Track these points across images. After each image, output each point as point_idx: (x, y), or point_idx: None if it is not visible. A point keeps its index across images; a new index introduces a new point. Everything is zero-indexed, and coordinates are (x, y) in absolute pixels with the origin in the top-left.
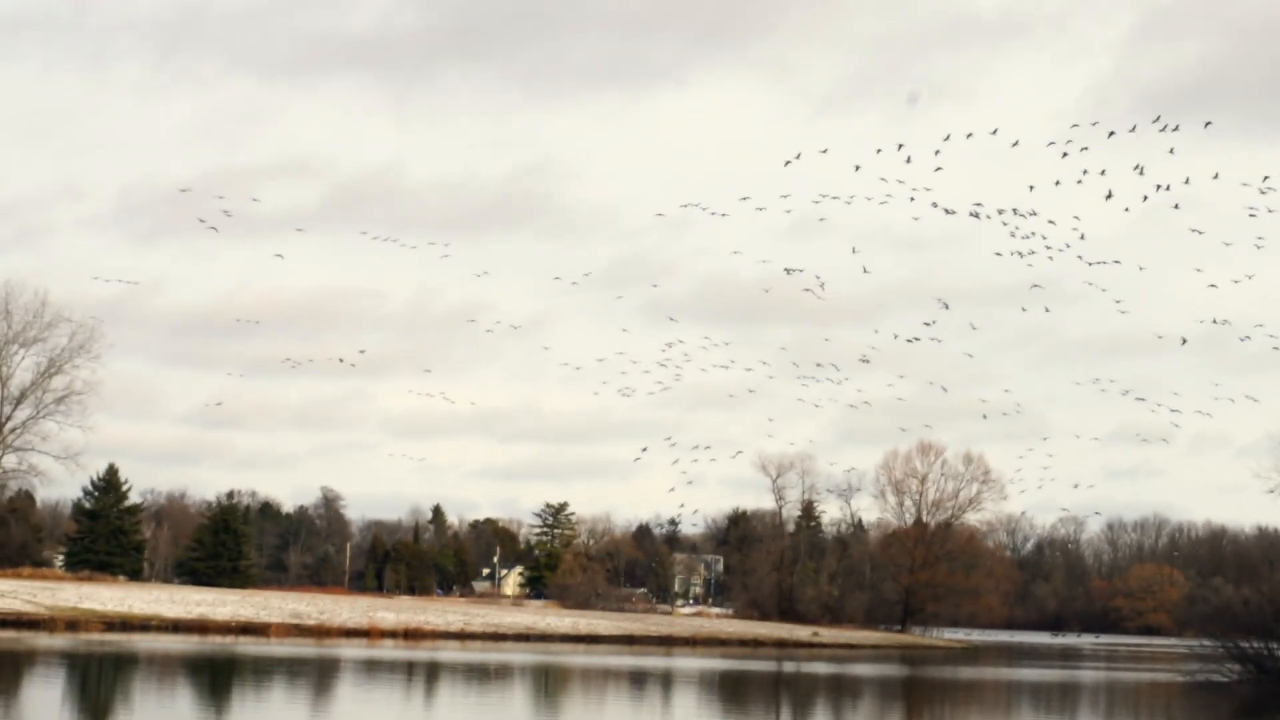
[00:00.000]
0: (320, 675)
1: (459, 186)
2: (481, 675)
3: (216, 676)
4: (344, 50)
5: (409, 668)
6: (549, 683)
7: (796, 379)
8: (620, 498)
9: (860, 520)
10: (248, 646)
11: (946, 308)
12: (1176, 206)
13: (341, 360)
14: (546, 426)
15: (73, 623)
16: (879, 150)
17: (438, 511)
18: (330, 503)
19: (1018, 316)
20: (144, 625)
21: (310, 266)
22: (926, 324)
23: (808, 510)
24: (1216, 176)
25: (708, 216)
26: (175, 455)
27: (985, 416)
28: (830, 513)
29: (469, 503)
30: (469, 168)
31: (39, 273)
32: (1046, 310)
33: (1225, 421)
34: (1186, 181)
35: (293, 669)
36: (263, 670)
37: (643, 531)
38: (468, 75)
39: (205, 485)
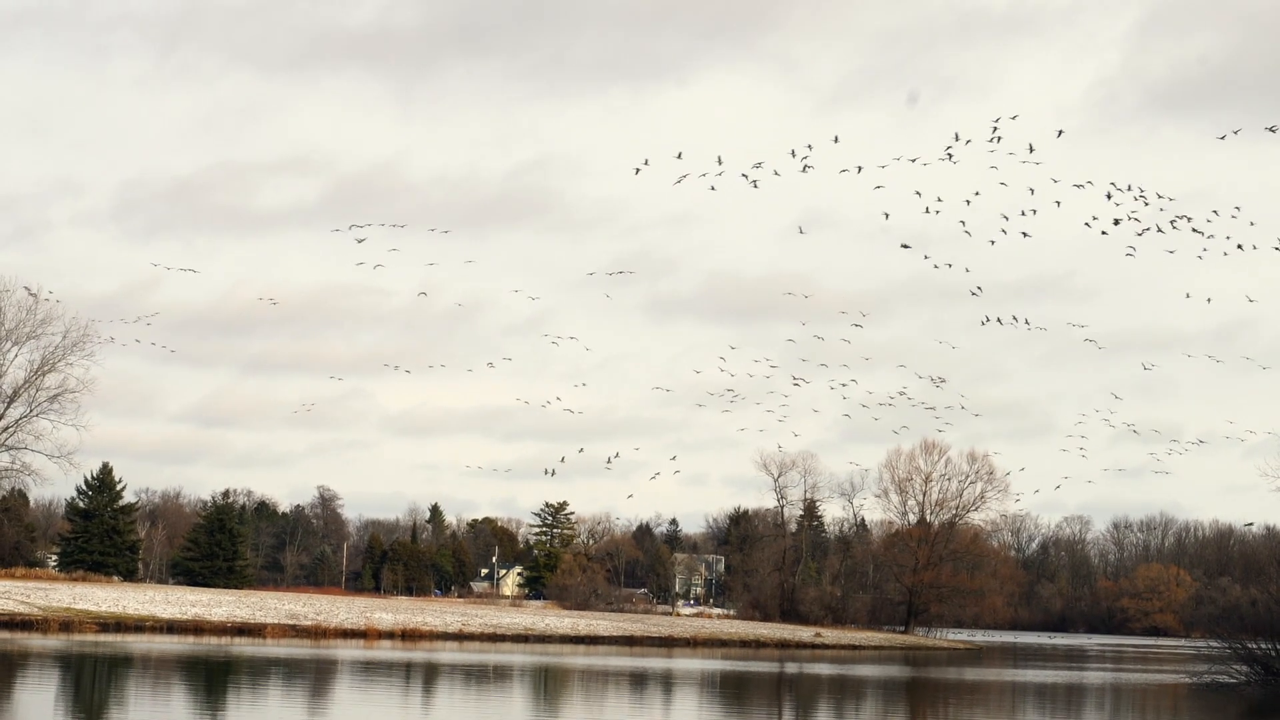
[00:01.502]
0: (317, 676)
1: (462, 182)
2: (480, 676)
3: (212, 678)
4: (345, 45)
5: (407, 669)
6: (548, 684)
7: (801, 377)
8: (620, 497)
9: (863, 520)
10: (243, 647)
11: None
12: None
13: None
14: (547, 425)
15: (66, 624)
16: (887, 144)
17: (435, 511)
18: (327, 502)
19: (1022, 314)
20: (138, 626)
21: (310, 263)
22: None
23: (810, 510)
24: (1222, 175)
25: (710, 211)
26: (171, 454)
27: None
28: (832, 512)
29: (468, 502)
30: (472, 164)
31: (37, 269)
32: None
33: (1233, 420)
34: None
35: (289, 670)
36: (259, 671)
37: (643, 531)
38: (471, 71)
39: (201, 484)
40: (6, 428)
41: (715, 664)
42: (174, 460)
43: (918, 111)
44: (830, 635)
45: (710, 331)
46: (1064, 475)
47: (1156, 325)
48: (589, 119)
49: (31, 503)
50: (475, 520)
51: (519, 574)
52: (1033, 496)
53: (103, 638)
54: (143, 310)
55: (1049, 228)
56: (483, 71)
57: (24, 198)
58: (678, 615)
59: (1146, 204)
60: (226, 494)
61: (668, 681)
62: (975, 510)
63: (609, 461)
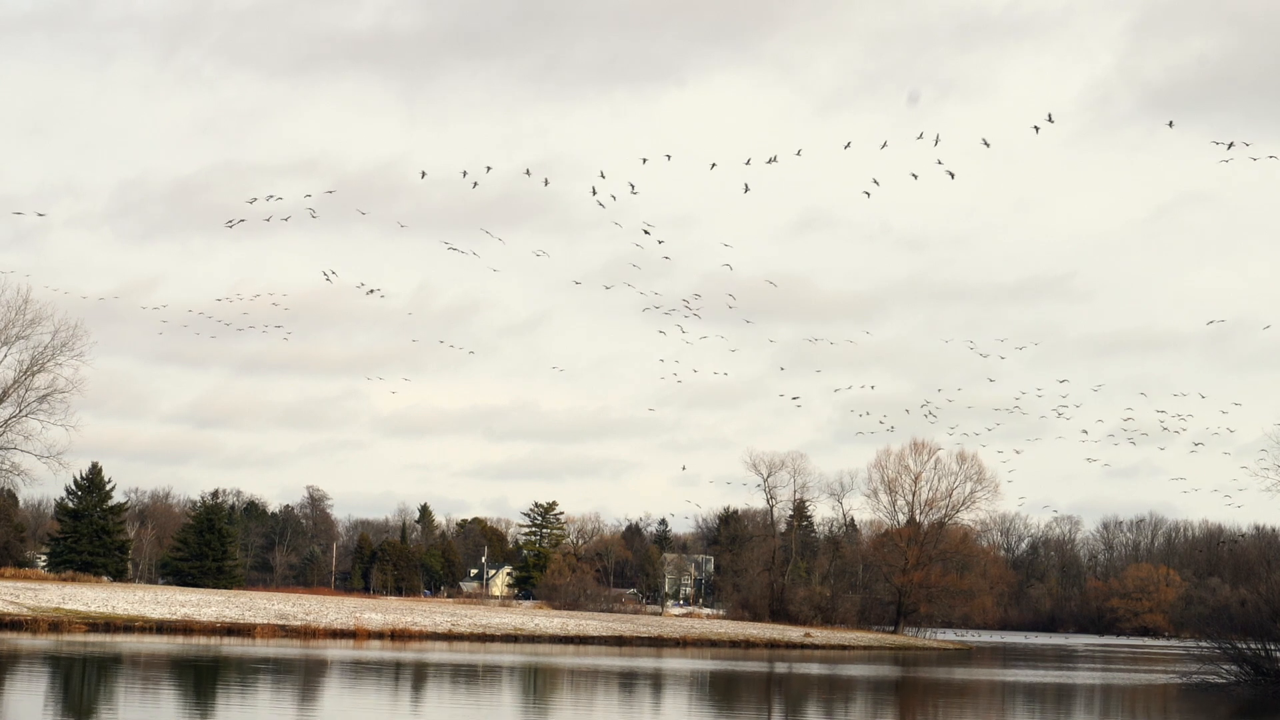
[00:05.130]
0: (306, 676)
1: (463, 184)
2: (470, 676)
3: (201, 678)
4: (346, 49)
5: (396, 669)
6: (538, 684)
7: (794, 377)
8: (611, 497)
9: (852, 520)
10: (233, 648)
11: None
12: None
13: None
14: (540, 425)
15: (56, 624)
16: (884, 144)
17: (425, 511)
18: (316, 502)
19: (1019, 315)
20: (128, 626)
21: (310, 264)
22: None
23: (799, 510)
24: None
25: (708, 212)
26: (164, 454)
27: (987, 423)
28: (822, 512)
29: (459, 502)
30: (473, 166)
31: (33, 270)
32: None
33: (1224, 421)
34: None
35: (279, 670)
36: (248, 671)
37: (632, 531)
38: (473, 74)
39: (192, 485)
40: None
41: (705, 664)
42: (166, 460)
43: (917, 112)
44: (820, 635)
45: (706, 332)
46: (1056, 473)
47: (1153, 326)
48: (591, 121)
49: (21, 503)
50: (464, 520)
51: (508, 574)
52: (1023, 497)
53: (92, 638)
54: (138, 312)
55: (1048, 228)
56: (485, 74)
57: (24, 199)
58: (667, 615)
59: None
60: (216, 494)
61: (657, 681)
62: (965, 510)
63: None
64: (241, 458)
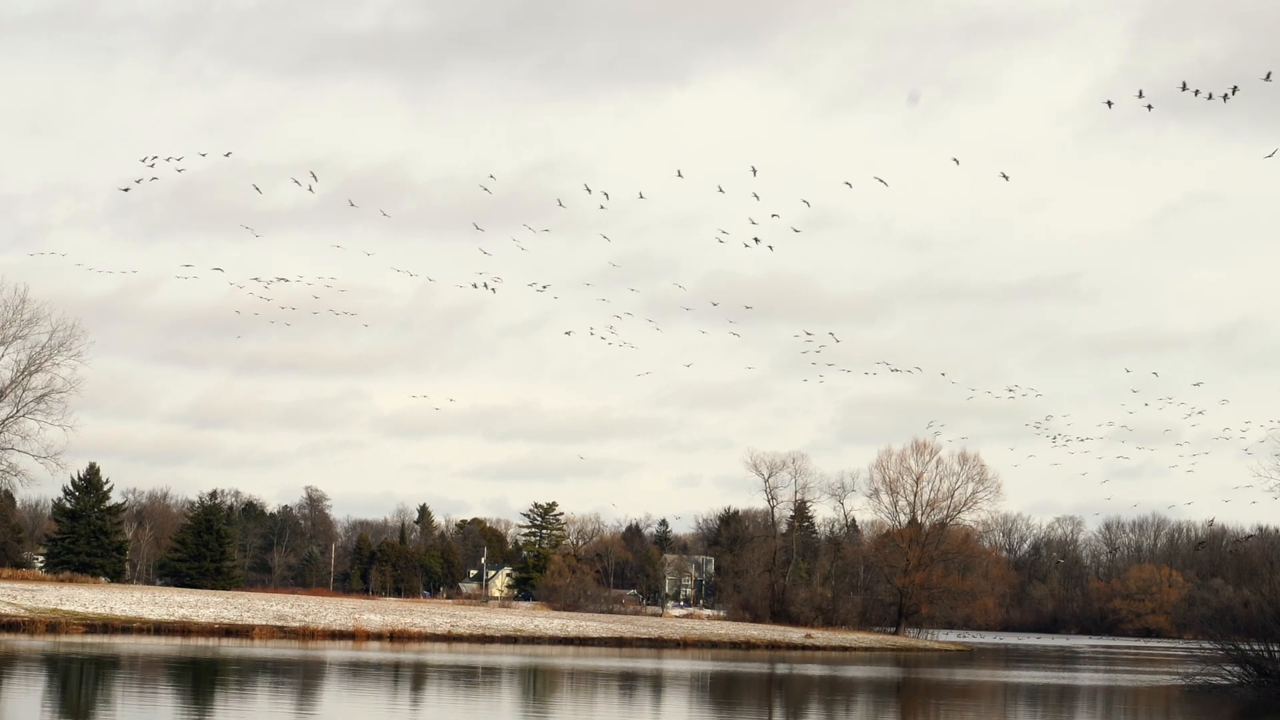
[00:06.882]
0: (305, 678)
1: (467, 184)
2: (469, 677)
3: (199, 679)
4: (350, 49)
5: (395, 670)
6: (537, 685)
7: (796, 377)
8: (611, 498)
9: (854, 520)
10: (231, 649)
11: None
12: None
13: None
14: (540, 425)
15: (53, 625)
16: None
17: (424, 512)
18: (315, 503)
19: (1023, 315)
20: (125, 627)
21: (309, 264)
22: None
23: (800, 510)
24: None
25: (711, 213)
26: (163, 454)
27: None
28: (823, 513)
29: (459, 503)
30: (477, 166)
31: (34, 269)
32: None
33: (1228, 420)
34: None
35: (277, 671)
36: (246, 673)
37: (633, 532)
38: (476, 74)
39: (192, 485)
40: None
41: (705, 665)
42: (165, 461)
43: (920, 112)
44: (821, 636)
45: (708, 333)
46: (1058, 474)
47: (1158, 326)
48: (595, 121)
49: (18, 503)
50: (464, 521)
51: (508, 575)
52: (1025, 496)
53: (89, 639)
54: (139, 312)
55: (1053, 228)
56: (488, 74)
57: (24, 198)
58: (667, 616)
59: None
60: (214, 495)
61: (657, 683)
62: (966, 511)
63: None
64: (241, 458)
